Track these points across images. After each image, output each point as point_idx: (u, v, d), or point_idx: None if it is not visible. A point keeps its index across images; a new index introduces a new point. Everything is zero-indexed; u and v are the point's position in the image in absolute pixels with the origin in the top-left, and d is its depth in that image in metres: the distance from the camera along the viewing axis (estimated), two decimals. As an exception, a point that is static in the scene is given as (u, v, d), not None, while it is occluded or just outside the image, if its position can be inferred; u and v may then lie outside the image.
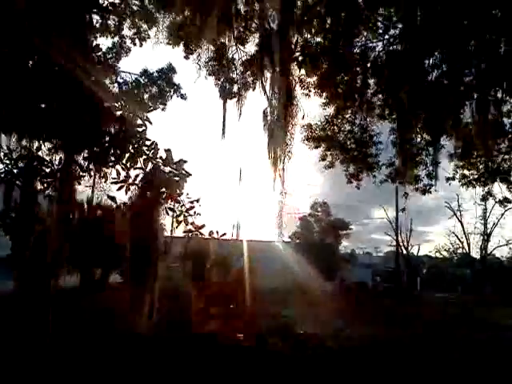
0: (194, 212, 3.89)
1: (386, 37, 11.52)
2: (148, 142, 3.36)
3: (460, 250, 49.87)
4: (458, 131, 12.10)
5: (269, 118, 10.48)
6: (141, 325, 3.21)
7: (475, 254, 48.68)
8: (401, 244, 43.85)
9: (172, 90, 12.98)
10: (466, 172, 13.25)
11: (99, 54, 5.02)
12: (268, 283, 27.54)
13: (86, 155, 3.23)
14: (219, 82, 11.34)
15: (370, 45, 11.72)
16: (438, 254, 52.39)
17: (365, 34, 11.56)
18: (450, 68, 11.32)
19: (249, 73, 11.63)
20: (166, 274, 3.91)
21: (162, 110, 13.23)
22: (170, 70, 12.50)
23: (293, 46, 10.82)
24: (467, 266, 48.77)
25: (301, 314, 17.85)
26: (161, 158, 3.38)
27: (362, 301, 22.66)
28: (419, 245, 50.41)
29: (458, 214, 47.15)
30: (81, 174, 3.25)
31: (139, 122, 3.36)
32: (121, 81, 12.72)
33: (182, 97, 13.23)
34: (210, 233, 4.18)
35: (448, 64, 11.28)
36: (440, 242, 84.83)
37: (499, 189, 13.57)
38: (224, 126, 10.80)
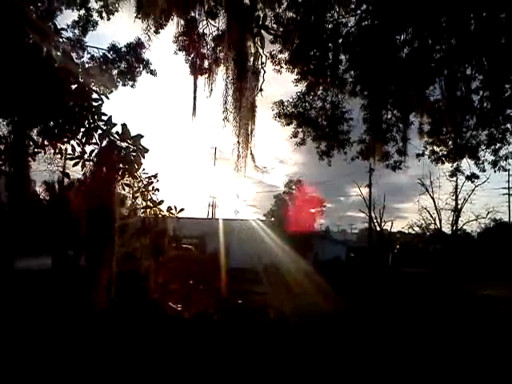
0: (153, 188, 3.83)
1: (358, 12, 11.39)
2: (104, 117, 3.26)
3: (432, 226, 50.91)
4: (427, 108, 12.19)
5: (244, 97, 10.42)
6: (99, 302, 3.16)
7: (447, 229, 49.81)
8: (374, 221, 44.51)
9: (141, 66, 12.66)
10: (436, 148, 13.38)
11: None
12: (242, 261, 27.74)
13: (40, 130, 3.12)
14: (190, 58, 11.12)
15: (342, 20, 11.64)
16: (410, 230, 53.45)
17: (337, 9, 11.45)
18: (421, 44, 11.35)
19: (220, 48, 11.45)
20: (129, 251, 3.86)
21: (132, 86, 12.98)
22: (139, 45, 12.14)
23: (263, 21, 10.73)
24: (439, 241, 49.83)
25: (273, 290, 18.05)
26: (117, 133, 3.29)
27: (333, 276, 22.99)
28: (392, 221, 51.24)
29: (431, 190, 48.01)
30: (35, 150, 3.14)
31: (95, 96, 3.25)
32: (88, 55, 12.41)
33: (152, 73, 12.91)
34: (168, 208, 4.12)
35: (419, 40, 11.30)
36: (413, 218, 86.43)
37: (467, 165, 13.78)
38: (195, 102, 10.65)
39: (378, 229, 46.93)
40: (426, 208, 49.71)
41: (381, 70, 10.88)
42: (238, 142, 8.78)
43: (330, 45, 11.70)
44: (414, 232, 52.98)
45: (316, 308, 13.26)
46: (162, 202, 4.11)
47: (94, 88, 3.32)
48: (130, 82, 12.89)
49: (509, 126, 12.80)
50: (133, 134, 3.33)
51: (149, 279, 3.97)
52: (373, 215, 44.30)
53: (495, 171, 13.70)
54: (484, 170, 13.81)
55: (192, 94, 10.57)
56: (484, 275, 32.33)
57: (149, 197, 3.76)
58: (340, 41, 11.61)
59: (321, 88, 12.09)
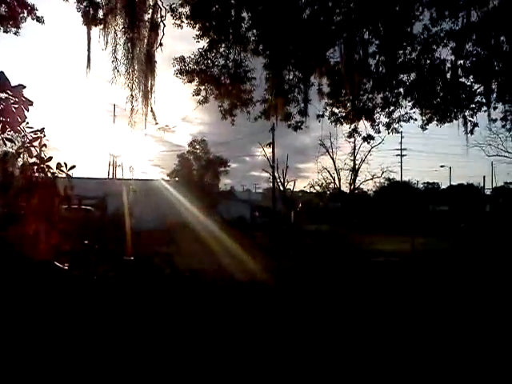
0: (40, 143, 3.56)
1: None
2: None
3: (332, 186, 53.13)
4: (327, 70, 12.48)
5: (137, 48, 9.98)
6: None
7: (345, 188, 52.25)
8: (278, 180, 45.53)
9: (26, 12, 11.52)
10: (335, 110, 13.80)
11: None
12: (148, 222, 27.32)
13: None
14: (82, 7, 10.34)
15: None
16: (312, 190, 55.40)
17: (241, -36, 11.22)
18: (322, 7, 11.49)
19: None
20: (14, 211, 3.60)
21: (15, 34, 11.83)
22: (21, -15, 11.07)
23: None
24: (338, 199, 52.19)
25: (182, 251, 17.98)
26: (-6, 83, 2.99)
27: (239, 235, 23.35)
28: (294, 180, 52.63)
29: (331, 151, 49.79)
30: None
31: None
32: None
33: (39, 20, 11.78)
34: (58, 165, 3.87)
35: (320, 2, 11.43)
36: (315, 178, 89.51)
37: (364, 126, 14.37)
38: (89, 55, 10.04)
39: (282, 188, 48.14)
40: (326, 168, 51.62)
41: (283, 29, 10.90)
42: (132, 95, 8.45)
43: (232, 1, 11.49)
44: (315, 191, 55.02)
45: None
46: (50, 158, 3.85)
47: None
48: (13, 29, 11.73)
49: (401, 90, 13.40)
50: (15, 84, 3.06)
51: (38, 240, 3.74)
52: (276, 175, 45.28)
53: (389, 133, 14.45)
54: (379, 132, 14.49)
55: (86, 45, 9.96)
56: (377, 230, 34.52)
57: (35, 153, 3.49)
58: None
59: (223, 45, 11.88)
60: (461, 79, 12.68)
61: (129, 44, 8.25)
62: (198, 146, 43.39)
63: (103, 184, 36.45)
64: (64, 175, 4.05)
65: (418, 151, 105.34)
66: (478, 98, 13.11)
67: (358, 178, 50.82)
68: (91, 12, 10.05)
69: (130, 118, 8.68)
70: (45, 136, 3.54)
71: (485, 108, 12.80)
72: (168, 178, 40.72)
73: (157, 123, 9.89)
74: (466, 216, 43.11)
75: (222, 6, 11.33)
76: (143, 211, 28.78)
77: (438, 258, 18.54)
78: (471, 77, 12.68)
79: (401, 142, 55.86)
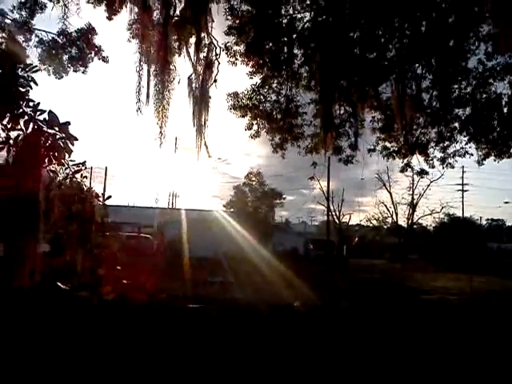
0: (81, 175, 3.87)
1: (314, 7, 11.54)
2: (31, 104, 3.29)
3: (389, 220, 52.24)
4: (379, 104, 12.53)
5: (193, 84, 10.46)
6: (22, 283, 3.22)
7: (403, 223, 51.22)
8: (333, 213, 45.26)
9: (93, 52, 12.44)
10: (388, 144, 13.76)
11: None
12: (204, 250, 27.75)
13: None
14: (144, 46, 11.00)
15: (298, 15, 11.78)
16: (368, 223, 54.64)
17: (293, 3, 11.59)
18: (374, 42, 11.61)
19: (175, 37, 11.40)
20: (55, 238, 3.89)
21: (83, 72, 12.73)
22: (90, 30, 11.88)
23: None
24: (395, 234, 51.15)
25: (236, 280, 18.15)
26: (44, 119, 3.32)
27: (292, 267, 23.30)
28: (350, 214, 52.28)
29: (388, 185, 49.17)
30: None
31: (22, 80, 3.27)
32: (36, 39, 12.03)
33: (104, 59, 12.70)
34: (96, 195, 4.17)
35: (372, 38, 11.56)
36: (372, 212, 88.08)
37: (417, 161, 14.18)
38: (148, 92, 10.60)
39: (337, 221, 47.79)
40: (383, 202, 50.94)
41: (334, 65, 11.10)
42: (161, 132, 8.80)
43: (285, 39, 11.84)
44: (371, 225, 54.21)
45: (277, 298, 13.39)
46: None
47: (23, 74, 3.33)
48: (82, 68, 12.62)
49: (456, 124, 13.23)
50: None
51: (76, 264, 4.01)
52: (332, 208, 45.07)
53: (443, 167, 14.19)
54: (433, 167, 14.27)
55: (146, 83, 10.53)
56: (436, 267, 33.39)
57: (75, 184, 3.80)
58: (295, 36, 11.76)
59: (275, 81, 12.23)
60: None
61: (159, 85, 8.68)
62: (253, 178, 44.02)
63: (162, 213, 37.51)
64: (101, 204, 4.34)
65: (481, 186, 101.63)
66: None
67: (416, 213, 49.80)
68: (151, 51, 10.64)
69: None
70: (86, 168, 3.85)
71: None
72: (224, 209, 41.38)
73: (210, 156, 10.23)
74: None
75: (275, 43, 11.71)
76: (199, 240, 29.36)
77: (499, 298, 17.67)
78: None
79: (462, 177, 54.25)
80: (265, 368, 5.45)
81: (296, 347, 6.22)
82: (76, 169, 3.69)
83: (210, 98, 10.52)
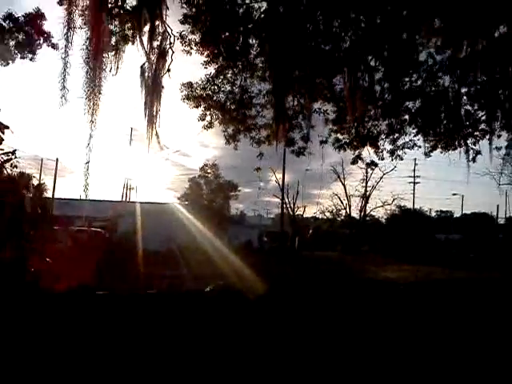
0: (11, 164, 3.70)
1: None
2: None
3: (343, 212, 53.17)
4: (332, 96, 12.65)
5: (146, 74, 10.25)
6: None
7: (356, 215, 52.25)
8: (287, 205, 45.63)
9: (42, 39, 11.94)
10: (340, 136, 13.91)
11: None
12: (158, 243, 27.43)
13: None
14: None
15: (255, 4, 11.68)
16: (322, 215, 55.36)
17: (249, -8, 11.48)
18: (330, 34, 11.67)
19: (129, 25, 11.14)
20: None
21: (31, 59, 12.22)
22: (39, 15, 11.44)
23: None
24: (348, 226, 52.10)
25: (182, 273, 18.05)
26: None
27: (245, 259, 23.38)
28: (304, 206, 52.84)
29: (343, 177, 50.00)
30: None
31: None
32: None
33: (54, 46, 12.23)
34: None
35: (328, 30, 11.61)
36: (326, 204, 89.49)
37: (368, 153, 14.44)
38: (100, 79, 10.31)
39: (292, 213, 48.22)
40: (336, 194, 51.79)
41: (287, 55, 11.07)
42: (92, 120, 8.48)
43: (241, 29, 11.74)
44: (325, 217, 54.97)
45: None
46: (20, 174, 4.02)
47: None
48: (30, 55, 12.09)
49: (407, 117, 13.53)
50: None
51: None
52: (286, 200, 45.40)
53: (392, 159, 14.53)
54: (383, 159, 14.60)
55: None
56: (387, 258, 34.22)
57: (5, 173, 3.61)
58: (251, 25, 11.67)
59: (230, 72, 12.14)
60: (465, 107, 12.79)
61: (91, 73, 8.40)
62: (209, 170, 43.74)
63: (115, 206, 36.87)
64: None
65: (431, 179, 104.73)
66: (482, 126, 13.17)
67: (368, 205, 50.88)
68: (103, 38, 10.36)
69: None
70: (16, 158, 3.69)
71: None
72: (178, 202, 40.99)
73: (161, 147, 10.07)
74: (478, 245, 42.48)
75: (231, 32, 11.59)
76: (152, 233, 28.98)
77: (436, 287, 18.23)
78: (475, 104, 12.78)
79: (414, 170, 55.82)
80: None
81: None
82: (5, 158, 3.51)
83: (162, 87, 10.33)
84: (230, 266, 19.62)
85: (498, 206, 58.32)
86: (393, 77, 12.46)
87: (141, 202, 36.37)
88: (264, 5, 11.66)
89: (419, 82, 12.77)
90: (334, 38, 11.70)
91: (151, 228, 29.88)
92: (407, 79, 12.81)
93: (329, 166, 48.15)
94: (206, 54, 11.72)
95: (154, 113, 9.92)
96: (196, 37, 11.53)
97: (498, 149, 13.91)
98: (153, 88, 9.80)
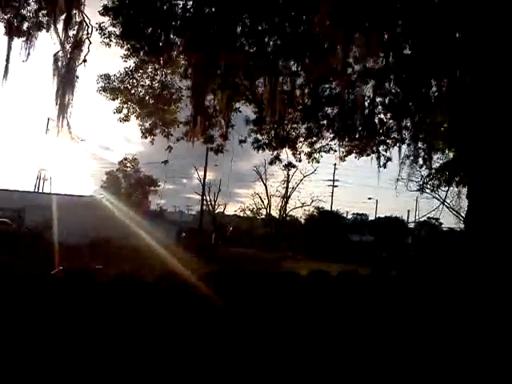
0: None
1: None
2: None
3: (263, 211, 54.06)
4: (254, 98, 12.77)
5: (60, 63, 9.85)
6: None
7: (276, 214, 53.27)
8: (208, 203, 45.65)
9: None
10: (259, 136, 14.08)
11: None
12: (68, 237, 26.38)
13: None
14: (6, 17, 10.12)
15: (180, 2, 11.49)
16: (243, 214, 55.91)
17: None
18: (255, 37, 11.74)
19: (43, 12, 10.61)
20: None
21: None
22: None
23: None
24: (268, 225, 53.02)
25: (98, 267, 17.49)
26: None
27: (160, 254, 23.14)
28: (225, 204, 53.12)
29: (265, 178, 50.83)
30: None
31: None
32: None
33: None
34: None
35: (253, 33, 11.67)
36: (247, 203, 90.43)
37: (286, 155, 14.71)
38: (7, 65, 9.82)
39: (212, 211, 48.31)
40: (258, 193, 52.54)
41: (212, 54, 11.01)
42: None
43: (164, 25, 11.50)
44: (246, 215, 55.53)
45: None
46: None
47: None
48: None
49: (325, 122, 13.91)
50: None
51: None
52: (208, 198, 45.42)
53: (309, 162, 14.94)
54: (300, 160, 14.99)
55: (5, 55, 9.74)
56: (303, 256, 35.19)
57: None
58: (174, 23, 11.45)
59: (151, 67, 11.91)
60: (379, 115, 13.36)
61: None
62: (128, 165, 42.74)
63: (25, 197, 35.15)
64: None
65: (350, 183, 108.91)
66: (394, 135, 13.81)
67: (288, 206, 52.05)
68: (15, 24, 9.88)
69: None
70: None
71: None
72: (94, 195, 39.73)
73: (72, 138, 9.75)
74: (388, 246, 44.98)
75: (154, 28, 11.31)
76: (67, 226, 27.90)
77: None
78: (388, 114, 13.39)
79: (334, 173, 57.72)
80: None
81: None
82: None
83: (77, 77, 10.01)
84: (144, 260, 19.27)
85: (408, 211, 61.77)
86: (313, 83, 12.78)
87: (55, 194, 34.94)
88: (189, 3, 11.51)
89: (338, 90, 13.14)
90: (258, 41, 11.81)
91: (63, 220, 28.74)
92: (327, 86, 13.17)
93: (253, 166, 48.91)
94: (126, 47, 11.40)
95: (66, 103, 9.59)
96: (116, 29, 11.18)
97: (408, 157, 14.60)
98: (66, 77, 9.44)
